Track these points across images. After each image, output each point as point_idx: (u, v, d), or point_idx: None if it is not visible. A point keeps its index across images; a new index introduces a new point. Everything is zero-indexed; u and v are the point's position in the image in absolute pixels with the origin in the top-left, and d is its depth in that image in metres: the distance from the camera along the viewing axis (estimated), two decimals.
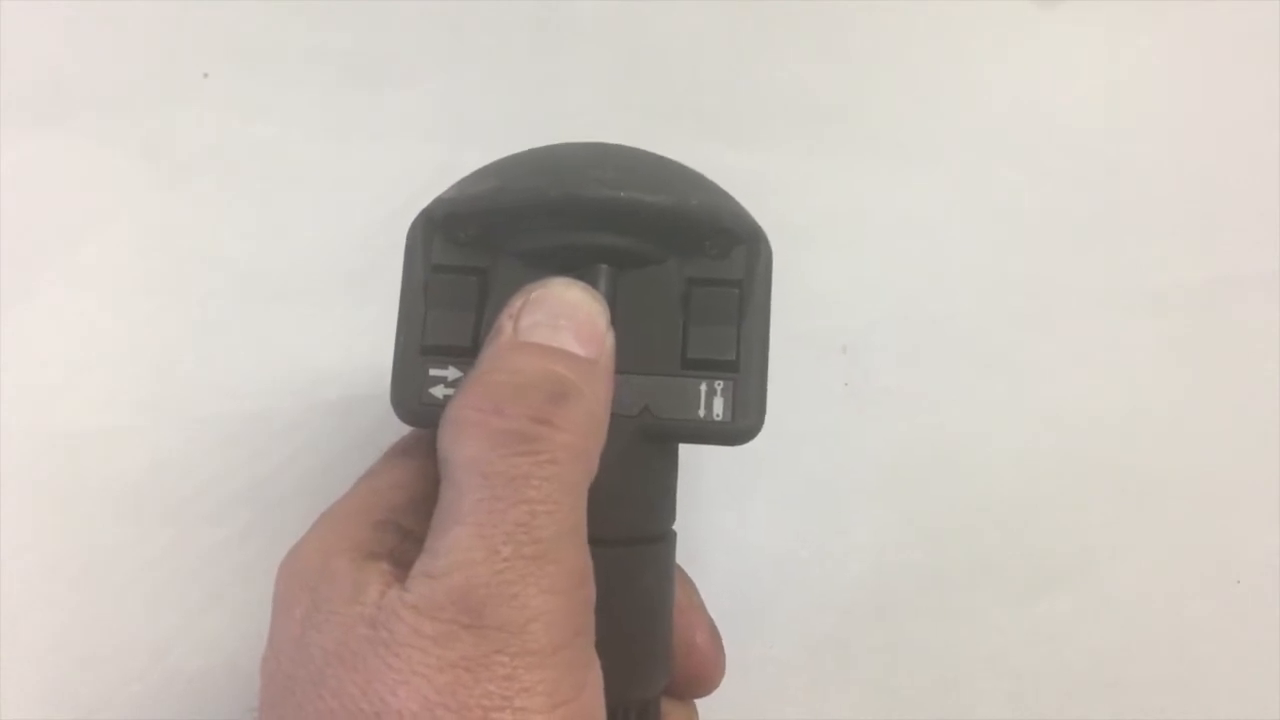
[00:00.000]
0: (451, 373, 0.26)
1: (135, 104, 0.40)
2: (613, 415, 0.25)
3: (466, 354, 0.25)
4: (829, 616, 0.38)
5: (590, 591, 0.22)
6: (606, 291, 0.26)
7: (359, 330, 0.38)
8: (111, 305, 0.39)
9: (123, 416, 0.38)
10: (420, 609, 0.21)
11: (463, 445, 0.22)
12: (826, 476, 0.39)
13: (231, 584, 0.37)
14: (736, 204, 0.27)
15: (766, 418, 0.26)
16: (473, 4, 0.41)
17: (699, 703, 0.31)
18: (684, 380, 0.26)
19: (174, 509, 0.37)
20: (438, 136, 0.40)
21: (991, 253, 0.40)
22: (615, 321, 0.25)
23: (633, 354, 0.26)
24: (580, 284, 0.25)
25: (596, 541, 0.23)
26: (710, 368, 0.26)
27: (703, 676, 0.30)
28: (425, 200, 0.27)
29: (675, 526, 0.28)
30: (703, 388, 0.26)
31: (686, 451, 0.27)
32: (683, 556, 0.28)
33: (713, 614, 0.31)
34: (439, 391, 0.26)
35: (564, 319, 0.24)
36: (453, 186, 0.27)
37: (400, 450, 0.27)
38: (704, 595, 0.31)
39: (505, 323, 0.24)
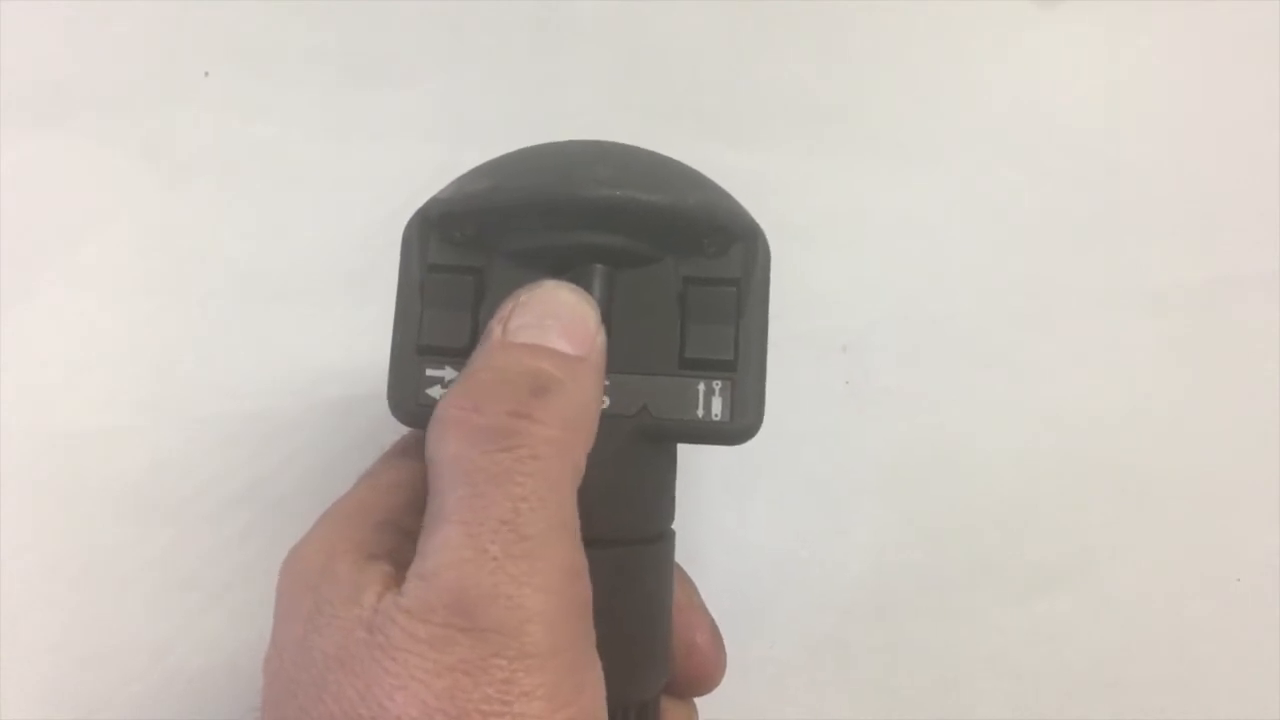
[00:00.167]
0: (448, 373, 0.26)
1: (135, 104, 0.40)
2: (610, 415, 0.25)
3: (463, 354, 0.25)
4: (829, 616, 0.38)
5: (585, 588, 0.22)
6: (603, 291, 0.25)
7: (359, 330, 0.38)
8: (111, 305, 0.39)
9: (123, 416, 0.38)
10: (413, 612, 0.21)
11: (445, 444, 0.22)
12: (826, 476, 0.39)
13: (232, 584, 0.37)
14: (734, 202, 0.27)
15: (766, 417, 0.26)
16: (473, 4, 0.41)
17: (699, 702, 0.31)
18: (682, 380, 0.26)
19: (174, 509, 0.37)
20: (437, 136, 0.40)
21: (991, 253, 0.40)
22: (612, 321, 0.25)
23: (630, 354, 0.26)
24: (570, 285, 0.25)
25: (595, 542, 0.23)
26: (708, 367, 0.26)
27: (703, 676, 0.30)
28: (425, 200, 0.27)
29: (675, 526, 0.28)
30: (701, 387, 0.26)
31: (686, 451, 0.27)
32: (683, 556, 0.28)
33: (713, 614, 0.31)
34: (436, 392, 0.25)
35: (551, 319, 0.24)
36: (448, 186, 0.27)
37: (400, 450, 0.27)
38: (704, 595, 0.31)
39: (495, 326, 0.24)
